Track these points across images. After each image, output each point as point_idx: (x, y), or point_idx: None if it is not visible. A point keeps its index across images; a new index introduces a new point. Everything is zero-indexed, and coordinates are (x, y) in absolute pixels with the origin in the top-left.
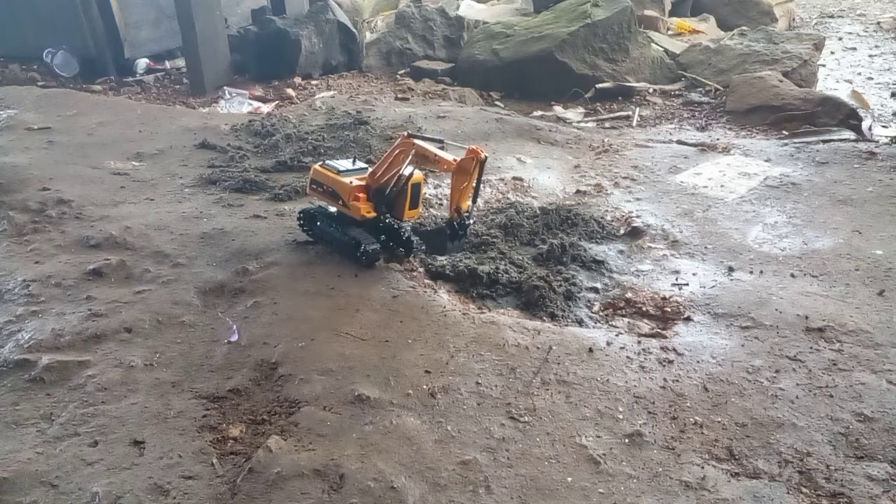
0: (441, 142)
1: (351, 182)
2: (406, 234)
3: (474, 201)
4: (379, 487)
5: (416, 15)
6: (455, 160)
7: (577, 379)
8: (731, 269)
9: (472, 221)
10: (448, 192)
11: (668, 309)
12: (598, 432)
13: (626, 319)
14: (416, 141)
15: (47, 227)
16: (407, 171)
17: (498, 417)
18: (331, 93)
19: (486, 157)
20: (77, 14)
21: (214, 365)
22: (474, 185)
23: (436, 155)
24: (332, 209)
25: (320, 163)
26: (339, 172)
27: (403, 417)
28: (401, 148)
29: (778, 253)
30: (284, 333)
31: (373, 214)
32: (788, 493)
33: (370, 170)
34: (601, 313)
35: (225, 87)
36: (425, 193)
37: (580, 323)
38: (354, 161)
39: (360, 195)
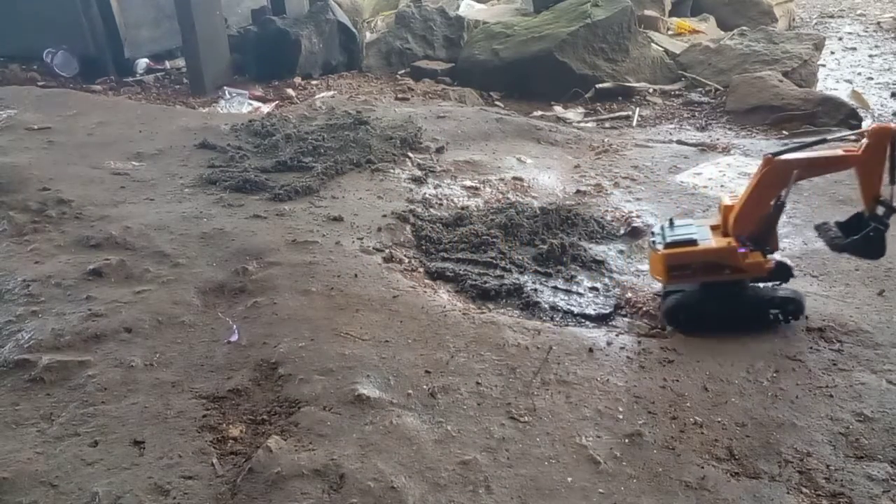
0: (823, 140)
1: (729, 244)
2: (778, 261)
3: (893, 181)
4: (379, 487)
5: (416, 15)
6: (858, 149)
7: (577, 379)
8: None
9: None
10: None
11: None
12: (598, 432)
13: (626, 319)
14: (788, 156)
15: (47, 227)
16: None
17: (498, 417)
18: (331, 93)
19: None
20: (77, 14)
21: (214, 365)
22: (887, 165)
23: (830, 157)
24: (687, 287)
25: (656, 247)
26: (698, 242)
27: (403, 417)
28: (769, 176)
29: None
30: (284, 333)
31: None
32: (788, 493)
33: (731, 219)
34: None
35: (225, 87)
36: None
37: (580, 323)
38: (672, 223)
39: (744, 250)
